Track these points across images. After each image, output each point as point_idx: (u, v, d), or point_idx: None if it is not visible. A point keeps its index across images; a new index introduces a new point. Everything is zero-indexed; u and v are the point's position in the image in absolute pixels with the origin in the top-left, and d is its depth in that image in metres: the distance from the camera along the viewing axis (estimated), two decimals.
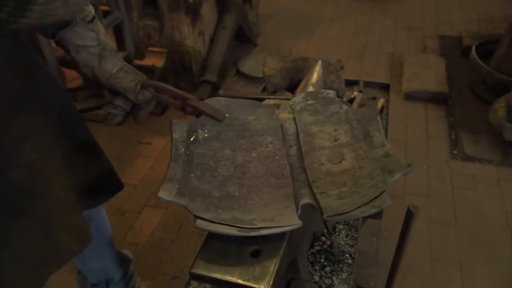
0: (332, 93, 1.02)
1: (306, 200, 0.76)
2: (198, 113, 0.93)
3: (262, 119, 0.94)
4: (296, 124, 0.94)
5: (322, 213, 0.73)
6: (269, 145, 0.89)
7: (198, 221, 0.70)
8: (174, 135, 0.86)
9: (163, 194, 0.73)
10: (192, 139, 0.87)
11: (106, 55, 0.94)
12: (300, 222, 0.71)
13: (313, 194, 0.77)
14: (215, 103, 0.95)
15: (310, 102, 0.98)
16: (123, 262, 1.49)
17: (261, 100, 1.34)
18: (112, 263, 1.43)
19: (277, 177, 0.82)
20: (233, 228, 0.69)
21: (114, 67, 0.94)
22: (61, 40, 0.93)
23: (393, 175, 0.76)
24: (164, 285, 1.64)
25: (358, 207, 0.71)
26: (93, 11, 0.95)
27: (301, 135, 0.91)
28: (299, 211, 0.74)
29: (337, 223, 1.10)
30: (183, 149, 0.84)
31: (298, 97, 1.00)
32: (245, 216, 0.72)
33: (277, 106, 1.01)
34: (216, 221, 0.70)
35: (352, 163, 0.84)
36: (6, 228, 0.89)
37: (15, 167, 0.86)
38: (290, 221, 0.71)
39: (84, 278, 1.47)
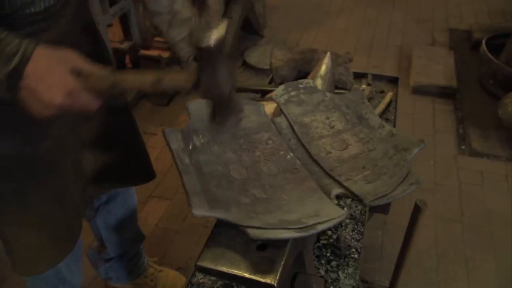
0: (311, 82, 1.01)
1: (336, 190, 0.76)
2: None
3: (251, 116, 0.91)
4: (286, 117, 0.92)
5: (361, 200, 0.73)
6: (269, 142, 0.87)
7: (251, 231, 0.64)
8: (172, 146, 0.80)
9: (198, 211, 0.66)
10: (190, 147, 0.82)
11: (174, 23, 1.03)
12: (346, 211, 0.72)
13: (337, 183, 0.77)
14: (199, 106, 0.88)
15: (292, 93, 0.97)
16: (140, 238, 1.56)
17: (269, 92, 1.33)
18: (131, 237, 1.51)
19: (292, 172, 0.80)
20: (290, 230, 0.65)
21: (178, 36, 1.03)
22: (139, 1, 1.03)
23: (410, 152, 0.77)
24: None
25: (396, 187, 0.72)
26: None
27: (295, 128, 0.90)
28: (335, 202, 0.75)
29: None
30: (187, 159, 0.79)
31: (279, 90, 0.98)
32: (289, 216, 0.69)
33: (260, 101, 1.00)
34: (267, 227, 0.66)
35: (360, 147, 0.84)
36: (24, 193, 0.97)
37: (44, 139, 0.93)
38: (336, 213, 0.70)
39: (99, 251, 1.53)
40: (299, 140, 0.88)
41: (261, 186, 0.78)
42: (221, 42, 0.65)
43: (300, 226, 0.66)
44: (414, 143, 0.80)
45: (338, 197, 0.78)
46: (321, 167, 0.82)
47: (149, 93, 2.64)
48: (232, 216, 0.68)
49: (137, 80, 0.73)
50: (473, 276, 1.70)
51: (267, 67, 2.86)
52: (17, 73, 0.65)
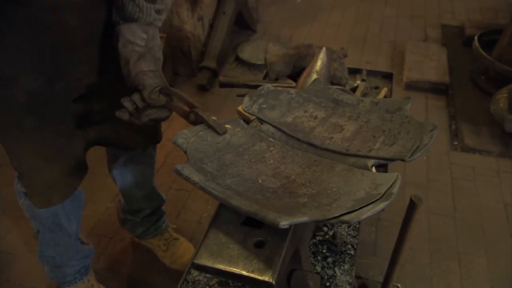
0: (270, 86, 0.99)
1: (370, 161, 0.77)
2: (199, 122, 0.89)
3: (238, 132, 0.88)
4: (268, 123, 0.92)
5: (403, 159, 0.74)
6: (271, 149, 0.85)
7: (347, 217, 0.62)
8: (194, 179, 0.72)
9: (284, 222, 0.61)
10: (208, 176, 0.76)
11: (146, 57, 0.99)
12: (396, 173, 0.70)
13: (363, 157, 0.78)
14: (185, 138, 0.83)
15: (260, 101, 0.96)
16: (156, 198, 1.64)
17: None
18: (146, 194, 1.58)
19: (316, 165, 0.79)
20: (378, 203, 0.63)
21: (147, 67, 0.97)
22: (117, 30, 0.99)
23: (405, 109, 0.82)
24: (163, 272, 1.64)
25: (423, 137, 0.75)
26: (156, 16, 1.03)
27: (284, 129, 0.90)
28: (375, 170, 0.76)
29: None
30: (218, 187, 0.73)
31: (245, 102, 0.94)
32: (359, 195, 0.67)
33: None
34: (357, 208, 0.63)
35: (355, 124, 0.86)
36: (43, 128, 1.07)
37: (61, 81, 1.02)
38: (391, 176, 0.69)
39: (121, 203, 1.66)
40: (295, 138, 0.87)
41: (302, 185, 0.74)
42: None
43: (377, 197, 0.64)
44: (402, 102, 0.85)
45: (376, 167, 0.78)
46: (336, 152, 0.81)
47: None
48: (312, 214, 0.63)
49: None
50: (465, 271, 1.72)
51: (260, 62, 2.85)
52: None
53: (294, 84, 1.29)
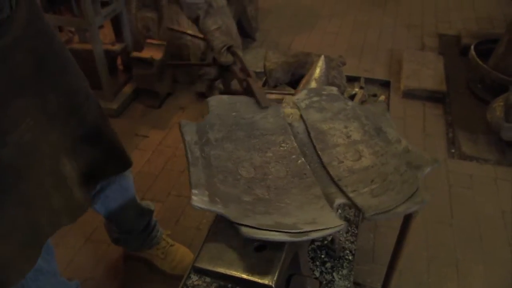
0: (335, 89, 1.01)
1: (340, 199, 0.75)
2: (249, 90, 0.98)
3: (269, 118, 0.92)
4: (304, 122, 0.92)
5: (362, 213, 0.71)
6: (282, 144, 0.87)
7: (244, 229, 0.65)
8: (186, 137, 0.83)
9: (197, 202, 0.68)
10: (204, 140, 0.85)
11: (211, 12, 1.06)
12: (343, 222, 0.70)
13: (343, 193, 0.76)
14: (218, 101, 0.93)
15: (314, 99, 0.97)
16: (145, 213, 1.60)
17: None
18: (134, 215, 1.55)
19: (301, 177, 0.80)
20: (283, 234, 0.66)
21: (213, 25, 1.06)
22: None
23: (422, 170, 0.76)
24: (162, 278, 1.64)
25: (400, 204, 0.71)
26: None
27: (312, 133, 0.90)
28: (338, 212, 0.73)
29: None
30: (198, 152, 0.81)
31: (301, 94, 0.99)
32: (286, 220, 0.70)
33: (279, 102, 1.00)
34: (263, 228, 0.66)
35: (373, 160, 0.82)
36: None
37: (5, 145, 0.87)
38: (333, 222, 0.69)
39: (111, 228, 1.62)
40: (313, 146, 0.88)
41: (265, 187, 0.78)
42: None
43: (294, 231, 0.66)
44: (427, 161, 0.78)
45: (341, 206, 0.79)
46: (330, 175, 0.81)
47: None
48: (229, 212, 0.68)
49: None
50: (463, 278, 1.73)
51: (259, 70, 2.86)
52: None
53: (293, 92, 1.31)
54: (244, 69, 1.05)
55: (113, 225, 1.59)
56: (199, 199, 0.69)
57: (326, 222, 0.69)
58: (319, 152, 0.85)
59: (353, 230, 1.09)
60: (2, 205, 0.93)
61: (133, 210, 1.55)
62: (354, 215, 1.12)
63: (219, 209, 0.69)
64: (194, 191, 0.70)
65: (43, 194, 1.00)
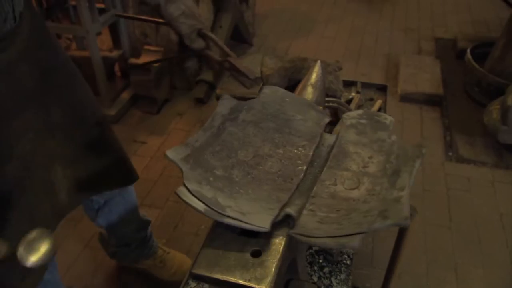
0: (389, 119, 0.93)
1: (290, 210, 0.74)
2: (233, 69, 0.97)
3: (308, 122, 0.92)
4: (337, 138, 0.89)
5: (291, 227, 0.71)
6: (300, 148, 0.87)
7: (180, 189, 0.71)
8: (218, 108, 0.88)
9: (170, 153, 0.74)
10: (232, 116, 0.89)
11: None
12: (268, 228, 0.69)
13: (302, 208, 0.75)
14: (272, 91, 0.97)
15: (362, 121, 0.92)
16: (144, 226, 1.59)
17: None
18: (135, 228, 1.55)
19: (285, 180, 0.81)
20: (202, 205, 0.69)
21: (176, 11, 1.01)
22: None
23: (384, 222, 0.67)
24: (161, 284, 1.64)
25: (323, 237, 0.67)
26: None
27: (334, 150, 0.86)
28: (279, 218, 0.73)
29: None
30: (218, 122, 0.86)
31: (354, 112, 0.95)
32: (224, 202, 0.72)
33: (330, 113, 0.98)
34: (196, 195, 0.70)
35: (362, 195, 0.77)
36: None
37: (9, 160, 0.86)
38: (260, 223, 0.70)
39: (108, 238, 1.60)
40: (326, 160, 0.85)
41: (245, 173, 0.80)
42: None
43: (213, 207, 0.70)
44: (398, 217, 0.67)
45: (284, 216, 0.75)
46: (311, 190, 0.79)
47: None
48: (187, 173, 0.73)
49: None
50: (462, 281, 1.73)
51: (257, 75, 2.88)
52: None
53: None
54: (222, 49, 1.03)
55: (112, 239, 1.58)
56: (174, 153, 0.75)
57: (253, 220, 0.70)
58: (325, 168, 0.83)
59: None
60: (10, 222, 0.91)
61: (135, 223, 1.54)
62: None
63: (182, 166, 0.74)
64: (179, 146, 0.75)
65: (39, 204, 0.99)
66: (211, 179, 0.76)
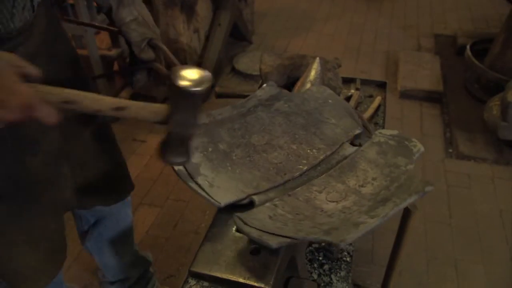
0: (418, 148, 0.87)
1: (257, 198, 0.75)
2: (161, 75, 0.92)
3: (338, 128, 0.91)
4: (356, 150, 0.87)
5: (237, 216, 0.71)
6: (314, 150, 0.87)
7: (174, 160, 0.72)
8: (258, 92, 0.91)
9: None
10: (268, 103, 0.91)
11: (124, 2, 0.95)
12: (221, 205, 0.72)
13: (269, 200, 0.75)
14: (320, 91, 0.99)
15: (391, 142, 0.87)
16: (141, 262, 1.47)
17: None
18: (129, 262, 1.41)
19: (277, 172, 0.81)
20: (181, 166, 0.76)
21: (128, 16, 0.94)
22: None
23: (321, 236, 0.64)
24: (160, 284, 1.63)
25: (255, 228, 0.67)
26: None
27: (344, 161, 0.84)
28: (243, 202, 0.75)
29: None
30: (251, 105, 0.89)
31: (388, 131, 0.91)
32: (204, 170, 0.77)
33: (365, 126, 0.97)
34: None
35: (335, 209, 0.74)
36: (20, 213, 0.91)
37: (37, 153, 0.88)
38: (218, 198, 0.73)
39: (103, 275, 1.46)
40: (330, 169, 0.84)
41: (247, 154, 0.83)
42: (208, 91, 0.62)
43: (193, 175, 0.75)
44: (338, 238, 0.62)
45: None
46: (294, 189, 0.79)
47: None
48: (194, 141, 0.73)
49: (95, 102, 0.64)
50: (462, 278, 1.72)
51: (256, 73, 2.87)
52: None
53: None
54: (172, 63, 0.93)
55: (105, 272, 1.43)
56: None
57: (216, 194, 0.74)
58: (324, 175, 0.82)
59: None
60: (32, 214, 0.93)
61: (129, 256, 1.41)
62: None
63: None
64: (203, 116, 0.78)
65: (58, 199, 1.01)
66: (209, 149, 0.79)
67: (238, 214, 0.70)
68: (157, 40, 0.98)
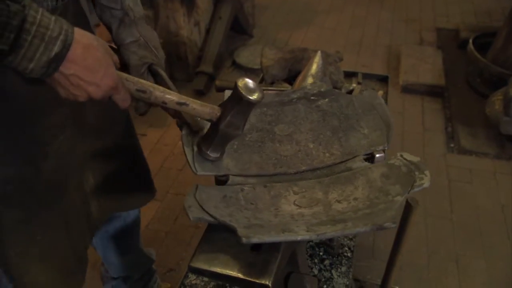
0: (424, 182, 0.78)
1: (236, 179, 0.78)
2: (182, 120, 0.88)
3: (364, 140, 0.90)
4: (363, 167, 0.83)
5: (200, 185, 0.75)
6: (327, 154, 0.86)
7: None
8: (308, 85, 0.94)
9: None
10: (313, 98, 0.94)
11: (126, 22, 0.90)
12: (196, 172, 0.76)
13: (241, 184, 0.78)
14: (371, 97, 0.96)
15: (403, 169, 0.81)
16: (145, 261, 1.46)
17: None
18: (133, 261, 1.40)
19: (274, 164, 0.83)
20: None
21: (128, 37, 0.89)
22: None
23: (227, 223, 0.65)
24: (160, 278, 1.63)
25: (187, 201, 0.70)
26: None
27: (345, 173, 0.81)
28: (219, 174, 0.78)
29: None
30: (295, 96, 0.93)
31: (410, 156, 0.86)
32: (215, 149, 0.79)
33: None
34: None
35: (284, 213, 0.72)
36: (29, 220, 0.87)
37: (45, 157, 0.85)
38: (198, 166, 0.76)
39: (106, 270, 1.45)
40: (326, 176, 0.82)
41: (259, 139, 0.87)
42: (261, 100, 0.73)
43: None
44: (243, 234, 0.62)
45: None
46: (276, 182, 0.79)
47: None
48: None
49: (163, 95, 0.75)
50: (463, 273, 1.72)
51: (257, 66, 2.86)
52: (59, 58, 0.60)
53: (290, 88, 1.30)
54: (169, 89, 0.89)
55: (108, 268, 1.42)
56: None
57: (200, 161, 0.77)
58: (315, 179, 0.80)
59: None
60: (42, 224, 0.88)
61: (133, 254, 1.39)
62: None
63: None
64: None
65: (76, 213, 0.95)
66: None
67: (200, 185, 0.73)
68: (158, 66, 0.91)
